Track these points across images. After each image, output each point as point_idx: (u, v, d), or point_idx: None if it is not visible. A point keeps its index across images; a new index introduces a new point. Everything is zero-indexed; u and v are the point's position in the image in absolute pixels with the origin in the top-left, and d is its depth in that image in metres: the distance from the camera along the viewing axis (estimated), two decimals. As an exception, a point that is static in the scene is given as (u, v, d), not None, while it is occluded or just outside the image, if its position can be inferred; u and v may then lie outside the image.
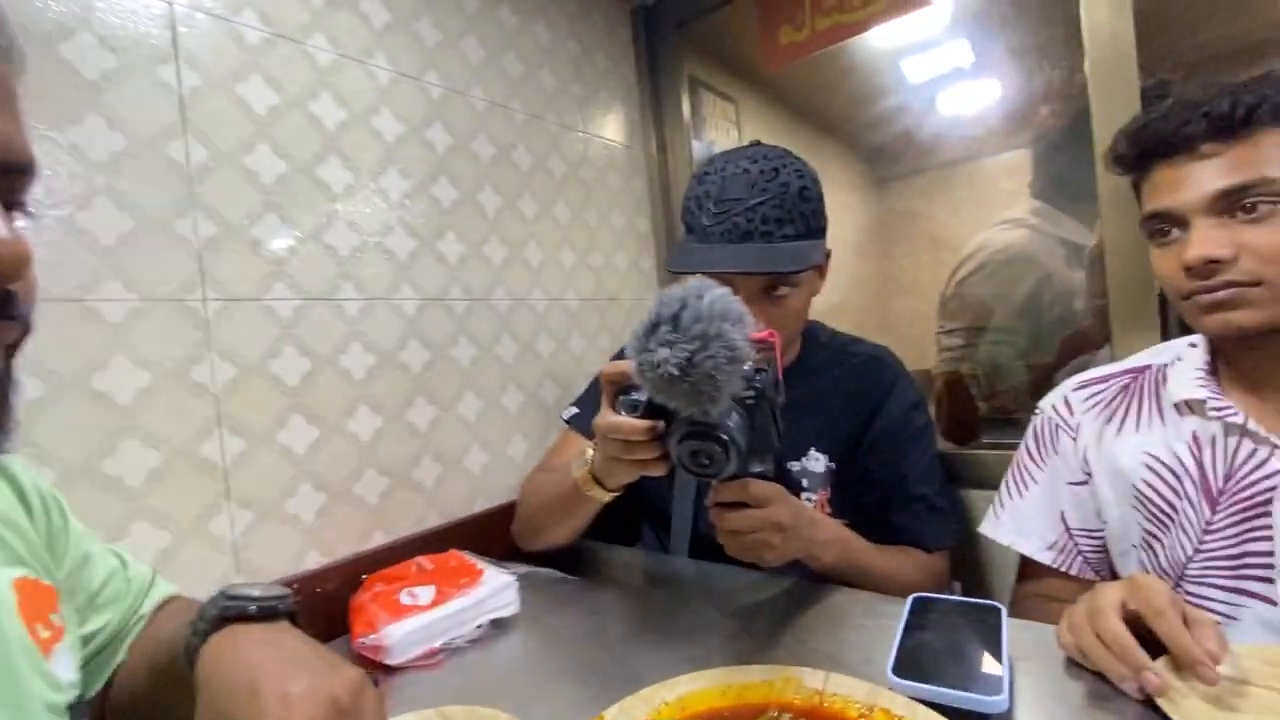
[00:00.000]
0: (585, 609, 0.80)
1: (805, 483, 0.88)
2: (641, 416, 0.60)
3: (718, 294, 0.51)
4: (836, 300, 1.72)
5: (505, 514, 1.01)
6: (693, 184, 0.83)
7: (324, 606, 0.78)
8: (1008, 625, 0.60)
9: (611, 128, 1.33)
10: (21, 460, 0.50)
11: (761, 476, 0.67)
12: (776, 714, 0.53)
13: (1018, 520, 0.82)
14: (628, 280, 1.35)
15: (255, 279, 0.77)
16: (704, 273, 0.70)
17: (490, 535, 0.98)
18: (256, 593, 0.48)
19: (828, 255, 0.86)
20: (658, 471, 0.63)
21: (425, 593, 0.75)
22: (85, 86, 0.65)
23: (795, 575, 0.82)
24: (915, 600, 0.66)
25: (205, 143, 0.73)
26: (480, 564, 0.82)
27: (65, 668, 0.44)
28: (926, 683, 0.52)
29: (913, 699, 0.51)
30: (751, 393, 0.58)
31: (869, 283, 1.92)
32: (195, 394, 0.72)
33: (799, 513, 0.71)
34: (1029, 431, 0.84)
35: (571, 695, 0.60)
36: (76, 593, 0.51)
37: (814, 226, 0.81)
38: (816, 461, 0.88)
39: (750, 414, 0.59)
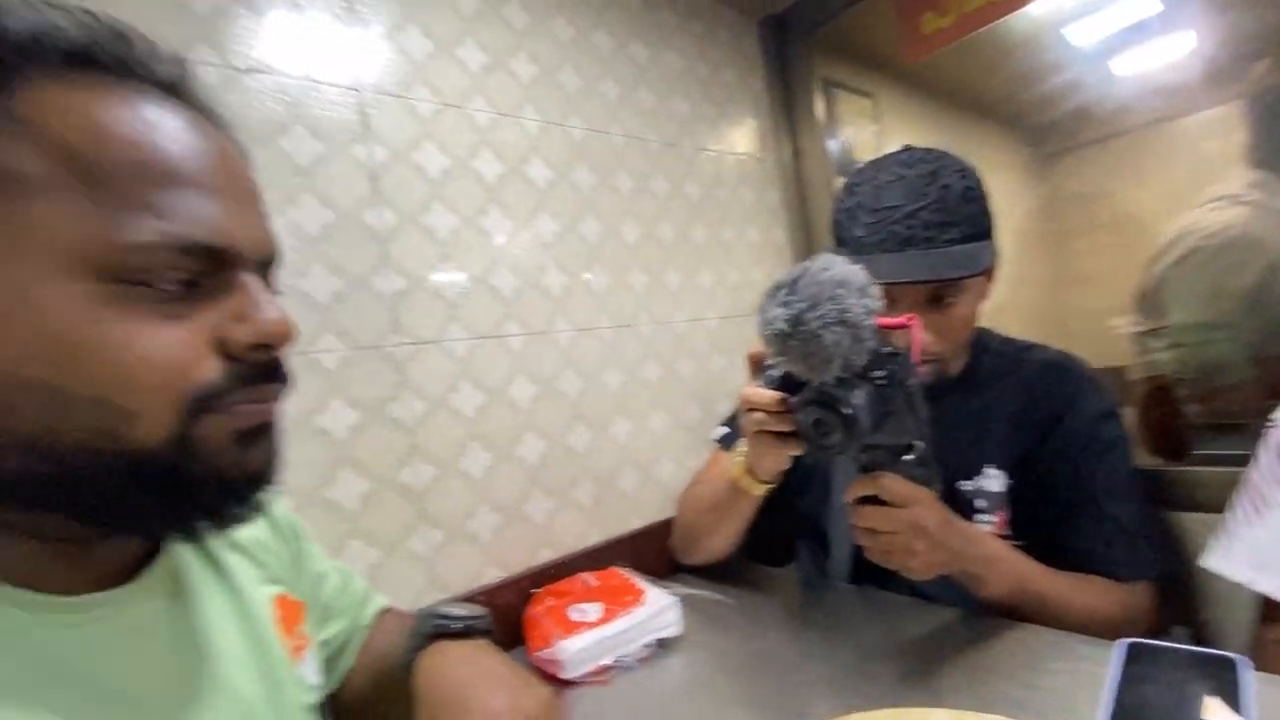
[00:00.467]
0: (747, 634, 0.80)
1: (980, 503, 0.81)
2: (777, 390, 0.63)
3: (841, 265, 0.54)
4: (999, 298, 1.57)
5: (658, 532, 1.04)
6: (842, 196, 0.81)
7: (502, 618, 0.85)
8: (1251, 683, 0.51)
9: (743, 141, 1.33)
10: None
11: (920, 481, 0.65)
12: (968, 765, 0.50)
13: (1256, 553, 0.70)
14: (767, 294, 1.33)
15: (436, 324, 0.87)
16: None
17: (646, 552, 1.01)
18: (459, 612, 0.54)
19: (996, 257, 0.79)
20: (794, 450, 0.65)
21: (593, 609, 0.80)
22: (300, 172, 0.78)
23: (968, 606, 0.76)
24: (1128, 646, 0.58)
25: (392, 208, 0.84)
26: (641, 583, 0.85)
27: (312, 671, 0.52)
28: (1153, 748, 0.45)
29: (1136, 764, 0.46)
30: (883, 374, 0.58)
31: (1037, 275, 1.73)
32: (394, 428, 0.82)
33: (948, 522, 0.67)
34: (1267, 445, 0.71)
35: (739, 723, 0.61)
36: (314, 605, 0.60)
37: (981, 228, 0.75)
38: (992, 480, 0.81)
39: (883, 397, 0.58)
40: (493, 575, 0.89)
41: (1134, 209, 1.49)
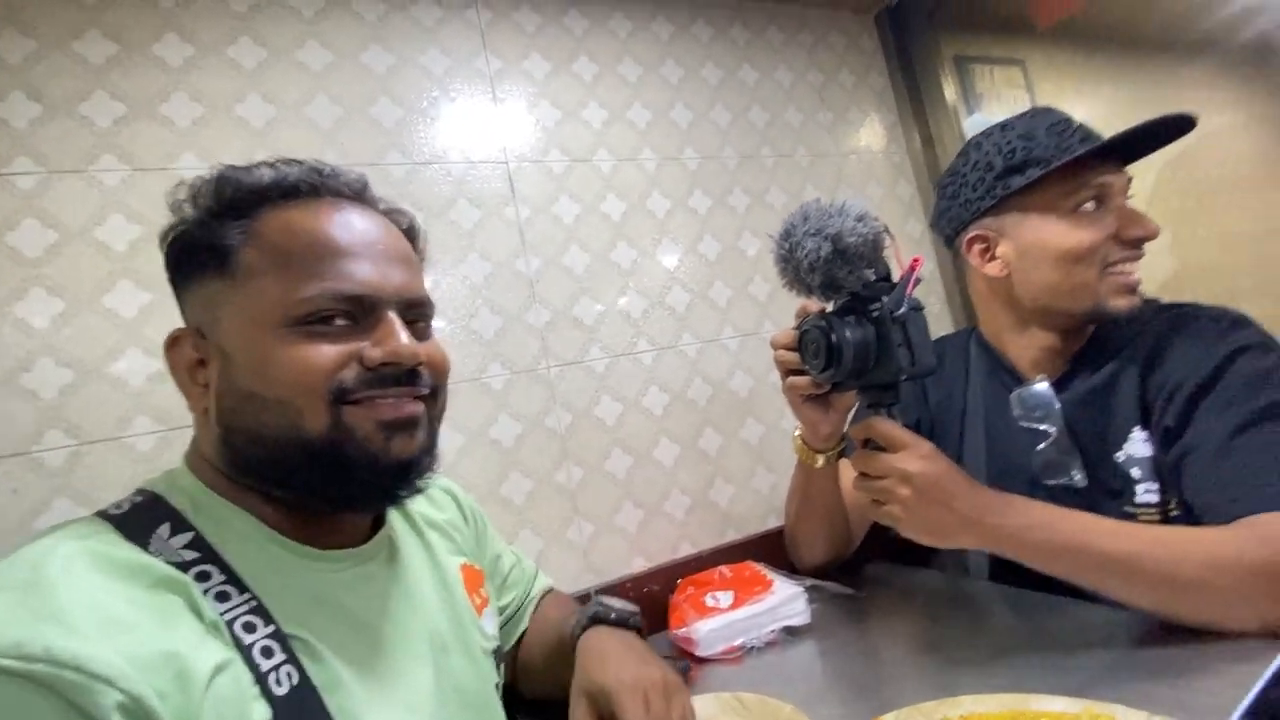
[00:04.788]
0: (875, 625, 0.83)
1: (1136, 472, 0.74)
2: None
3: (848, 200, 0.62)
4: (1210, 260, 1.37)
5: (796, 530, 1.08)
6: (987, 153, 0.79)
7: (651, 604, 0.96)
8: None
9: (866, 138, 1.33)
10: (458, 485, 0.77)
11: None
12: (1075, 749, 0.49)
13: None
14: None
15: (577, 346, 1.02)
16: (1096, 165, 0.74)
17: (779, 551, 1.06)
18: (617, 605, 0.66)
19: None
20: (834, 413, 0.76)
21: (725, 597, 0.87)
22: (465, 235, 0.97)
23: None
24: (1298, 645, 0.52)
25: (537, 254, 1.01)
26: (771, 575, 0.91)
27: (490, 625, 0.66)
28: (1284, 742, 0.42)
29: (1265, 759, 0.42)
30: (877, 305, 0.63)
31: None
32: (549, 437, 0.98)
33: (949, 480, 0.63)
34: None
35: (855, 702, 0.64)
36: (495, 576, 0.76)
37: None
38: (1140, 444, 0.74)
39: (878, 333, 0.64)
40: (639, 564, 1.00)
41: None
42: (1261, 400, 0.65)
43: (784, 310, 1.18)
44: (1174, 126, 0.72)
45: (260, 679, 0.42)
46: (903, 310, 0.62)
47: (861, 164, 1.31)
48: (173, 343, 0.49)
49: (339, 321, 0.47)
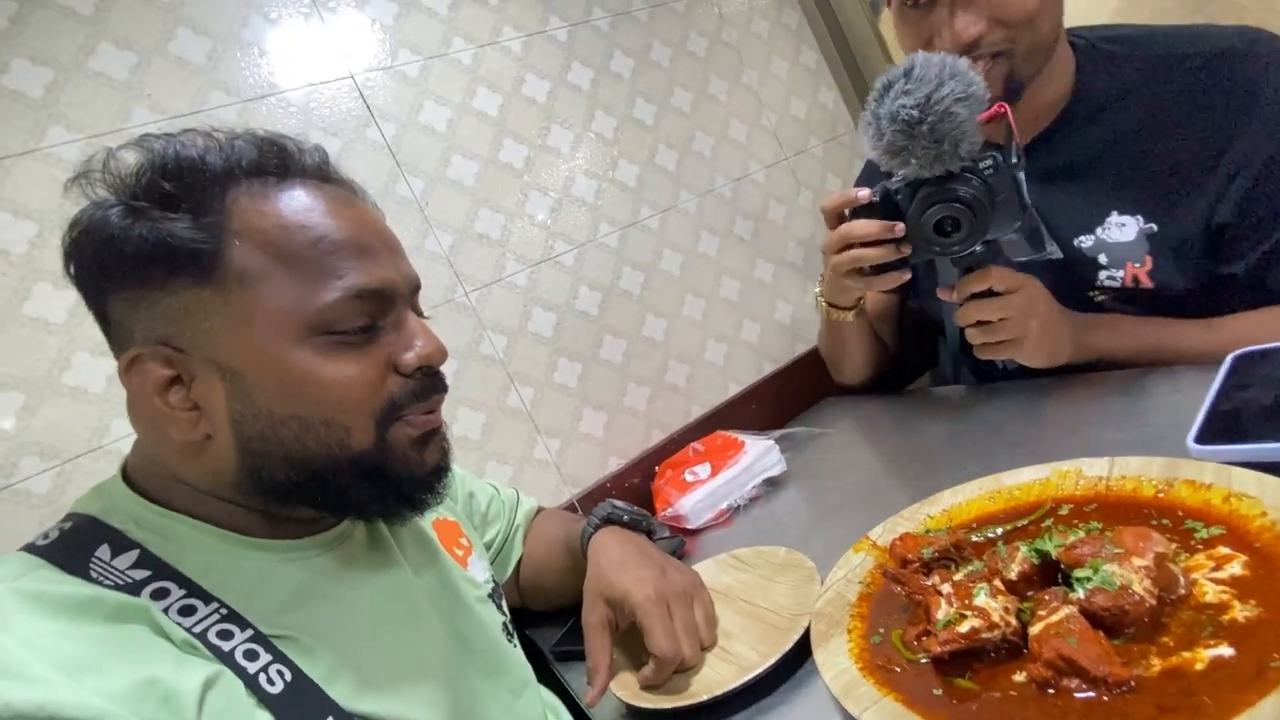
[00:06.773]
0: (848, 456, 0.84)
1: (1103, 258, 0.70)
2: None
3: (943, 54, 0.57)
4: None
5: (753, 394, 1.09)
6: None
7: (634, 497, 0.96)
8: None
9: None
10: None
11: (1035, 258, 0.65)
12: (1054, 507, 0.51)
13: None
14: (812, 124, 1.26)
15: (492, 263, 0.94)
16: None
17: (746, 414, 1.07)
18: (628, 508, 0.67)
19: None
20: (885, 284, 0.68)
21: (703, 469, 0.87)
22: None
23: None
24: (1236, 359, 0.54)
25: (417, 174, 0.91)
26: (741, 437, 0.91)
27: (478, 571, 0.64)
28: (1241, 442, 0.44)
29: (1225, 464, 0.44)
30: (989, 164, 0.59)
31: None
32: (487, 365, 0.92)
33: (1055, 303, 0.65)
34: None
35: (843, 529, 0.66)
36: (472, 516, 0.73)
37: None
38: (1121, 229, 0.68)
39: (989, 186, 0.60)
40: (615, 464, 0.99)
41: None
42: None
43: (698, 175, 1.12)
44: None
45: (250, 684, 0.39)
46: (1017, 162, 0.60)
47: (743, 0, 1.21)
48: (131, 364, 0.42)
49: (360, 324, 0.44)
